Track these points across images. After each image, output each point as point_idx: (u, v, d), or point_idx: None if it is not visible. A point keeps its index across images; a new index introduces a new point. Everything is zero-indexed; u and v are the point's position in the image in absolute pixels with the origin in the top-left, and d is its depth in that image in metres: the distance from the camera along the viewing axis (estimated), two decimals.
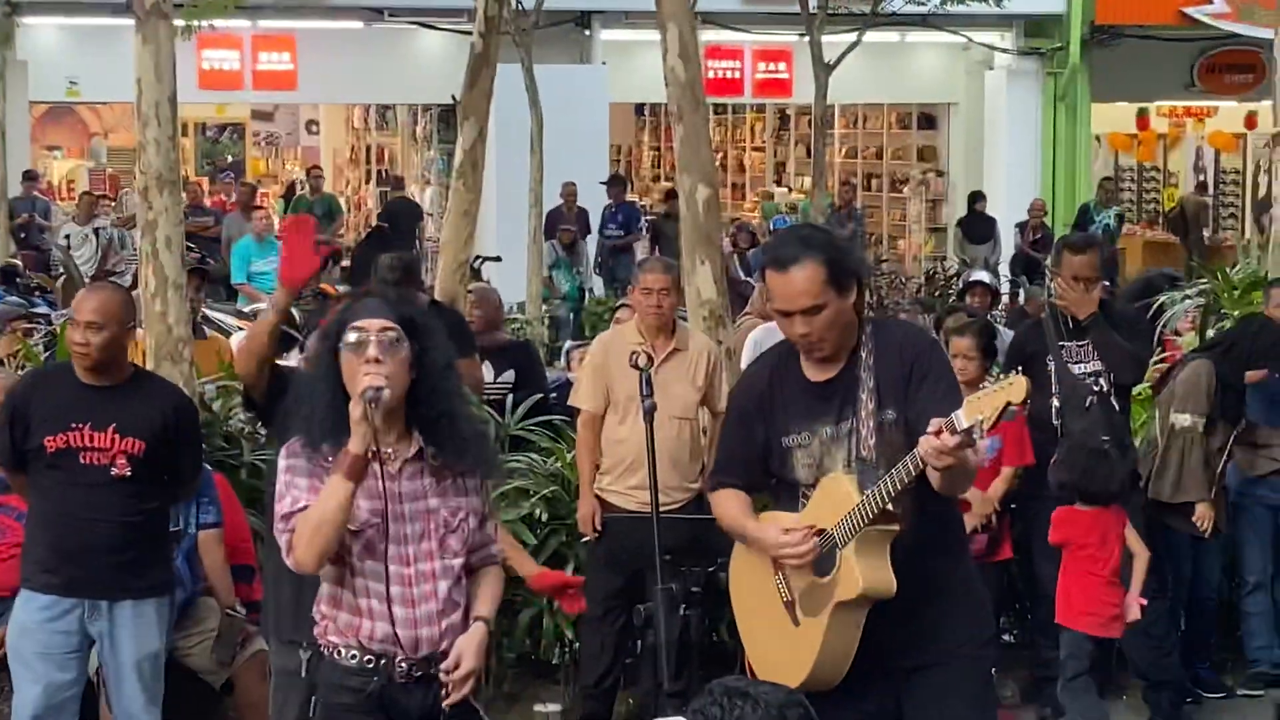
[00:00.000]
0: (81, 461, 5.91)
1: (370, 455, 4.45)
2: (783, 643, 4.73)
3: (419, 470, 4.54)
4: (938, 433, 4.26)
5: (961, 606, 4.82)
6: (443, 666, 4.52)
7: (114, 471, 5.90)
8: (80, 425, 5.91)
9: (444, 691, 4.54)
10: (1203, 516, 7.81)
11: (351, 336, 4.47)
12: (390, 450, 4.53)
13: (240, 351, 5.85)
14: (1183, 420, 7.84)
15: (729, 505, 4.90)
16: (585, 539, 7.60)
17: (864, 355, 4.68)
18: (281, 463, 4.52)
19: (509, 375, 9.51)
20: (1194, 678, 8.00)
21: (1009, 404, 4.23)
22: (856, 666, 4.67)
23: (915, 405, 4.59)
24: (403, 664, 4.53)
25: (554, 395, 9.62)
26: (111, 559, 5.92)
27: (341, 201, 29.23)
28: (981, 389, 4.40)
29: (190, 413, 6.18)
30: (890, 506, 4.49)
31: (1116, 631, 7.18)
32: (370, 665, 4.53)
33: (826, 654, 4.65)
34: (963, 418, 4.25)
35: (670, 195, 20.14)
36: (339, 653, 4.56)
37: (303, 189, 26.48)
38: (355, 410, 4.36)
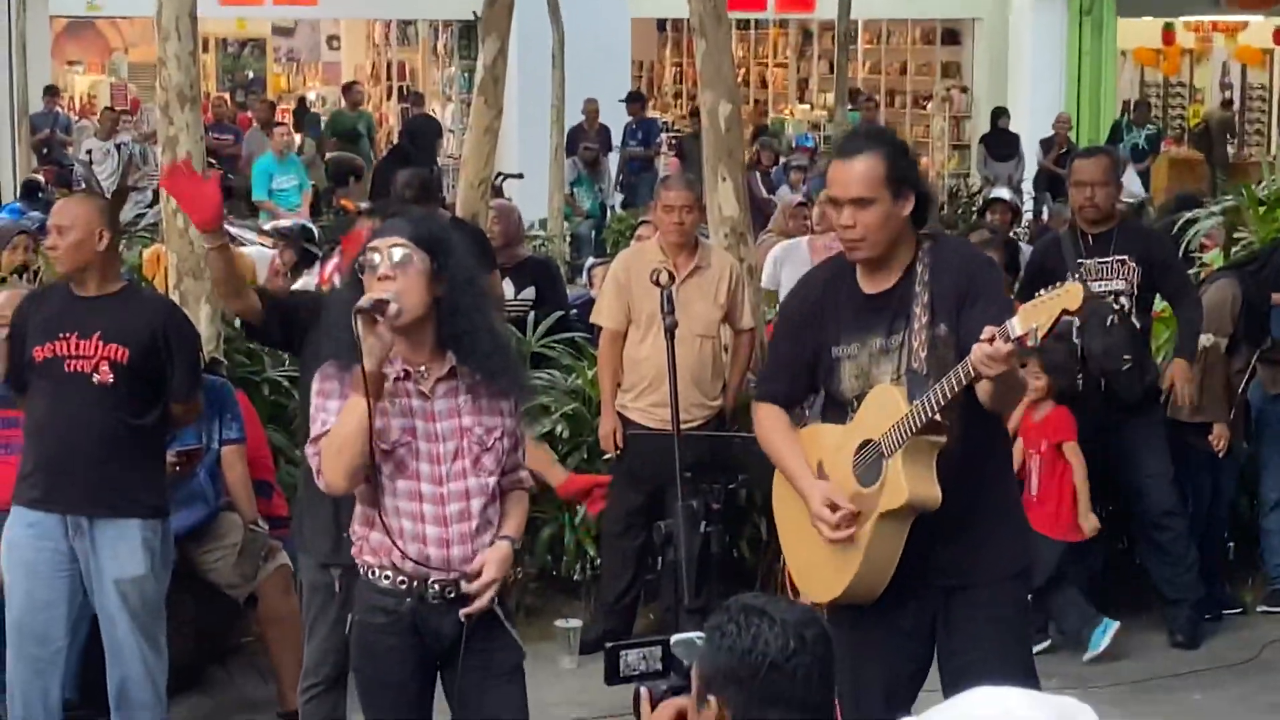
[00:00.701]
0: (66, 369, 5.83)
1: (403, 374, 4.47)
2: (824, 553, 4.73)
3: (453, 388, 4.55)
4: (990, 340, 4.23)
5: (1003, 531, 4.82)
6: (466, 572, 4.55)
7: (96, 378, 5.80)
8: (67, 335, 5.85)
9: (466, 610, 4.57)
10: (1220, 437, 7.80)
11: (371, 258, 4.49)
12: (423, 368, 4.54)
13: (221, 296, 5.86)
14: (1204, 340, 7.81)
15: (774, 431, 4.89)
16: (606, 456, 7.62)
17: (920, 270, 4.67)
18: (315, 385, 4.54)
19: (529, 292, 9.50)
20: (1212, 595, 8.02)
21: (1064, 311, 4.19)
22: (895, 582, 4.68)
23: (967, 323, 4.57)
24: (435, 585, 4.54)
25: (575, 312, 9.62)
26: (93, 472, 5.82)
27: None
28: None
29: (183, 327, 6.08)
30: (939, 417, 4.47)
31: (1076, 536, 7.49)
32: (404, 586, 4.55)
33: (868, 565, 4.64)
34: (1016, 325, 4.22)
35: (696, 113, 20.05)
36: (373, 573, 4.58)
37: (315, 106, 26.43)
38: (356, 326, 4.37)
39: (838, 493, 4.66)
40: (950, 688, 4.73)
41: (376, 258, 4.48)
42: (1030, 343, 4.23)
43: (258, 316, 5.74)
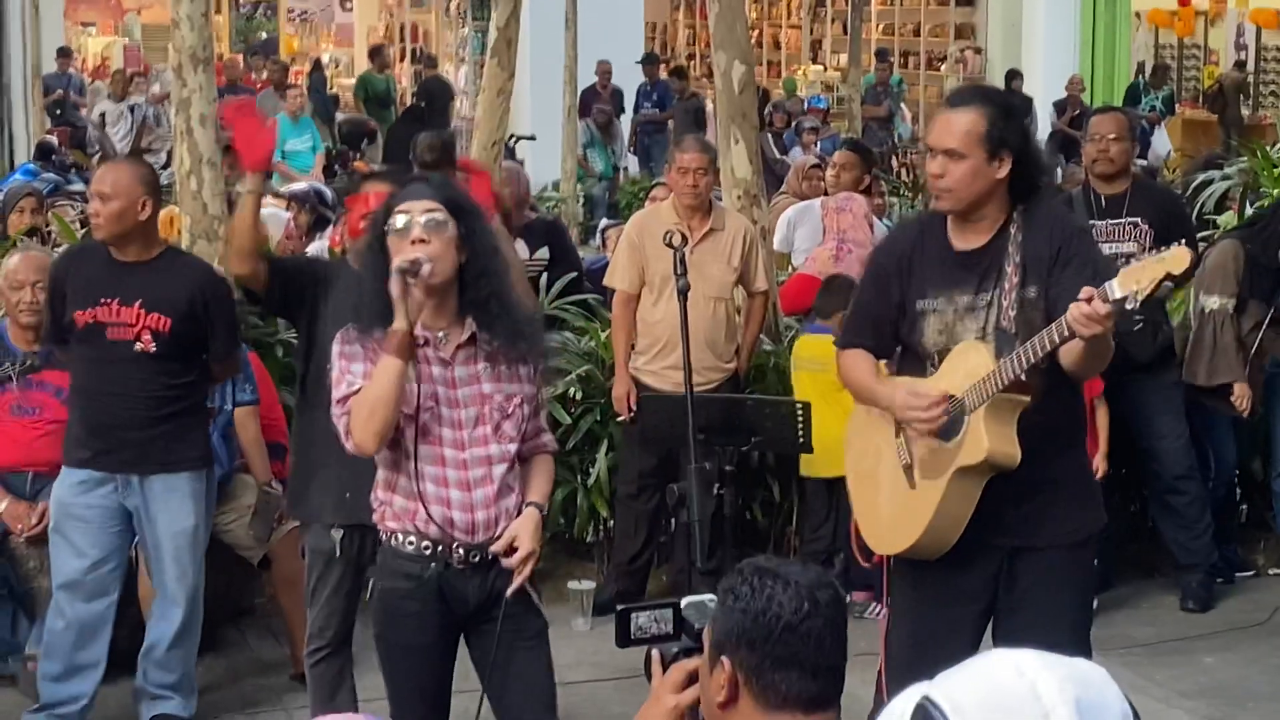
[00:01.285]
0: (108, 337, 5.93)
1: (423, 340, 4.48)
2: (895, 505, 4.73)
3: (473, 355, 4.55)
4: (1089, 300, 4.20)
5: (1074, 495, 4.82)
6: (494, 549, 4.55)
7: (138, 347, 5.91)
8: (109, 300, 5.93)
9: (500, 576, 4.58)
10: (1241, 396, 7.77)
11: (398, 220, 4.48)
12: (443, 334, 4.55)
13: (233, 251, 5.76)
14: (1211, 302, 7.80)
15: (856, 365, 4.88)
16: (620, 418, 7.63)
17: (1013, 231, 4.67)
18: (336, 348, 4.53)
19: (544, 253, 9.50)
20: (1223, 557, 8.02)
21: (1169, 275, 4.16)
22: (963, 540, 4.67)
23: (1058, 285, 4.58)
24: (459, 550, 4.55)
25: (590, 278, 9.61)
26: (140, 434, 5.95)
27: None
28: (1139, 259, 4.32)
29: (221, 291, 6.14)
30: (1024, 376, 4.46)
31: None
32: (428, 551, 4.55)
33: (940, 519, 4.64)
34: (1116, 287, 4.18)
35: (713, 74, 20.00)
36: (396, 539, 4.58)
37: (330, 68, 26.35)
38: (394, 286, 4.37)
39: (920, 385, 4.65)
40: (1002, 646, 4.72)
41: (405, 220, 4.48)
42: (1130, 305, 4.19)
43: (261, 283, 5.73)
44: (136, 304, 5.92)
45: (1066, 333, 4.31)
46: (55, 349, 6.26)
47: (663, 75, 22.12)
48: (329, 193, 11.99)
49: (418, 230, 4.46)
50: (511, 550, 4.56)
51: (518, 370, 4.62)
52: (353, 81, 29.23)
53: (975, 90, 4.92)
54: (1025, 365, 4.45)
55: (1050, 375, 4.53)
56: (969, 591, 4.80)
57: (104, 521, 6.04)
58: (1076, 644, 4.73)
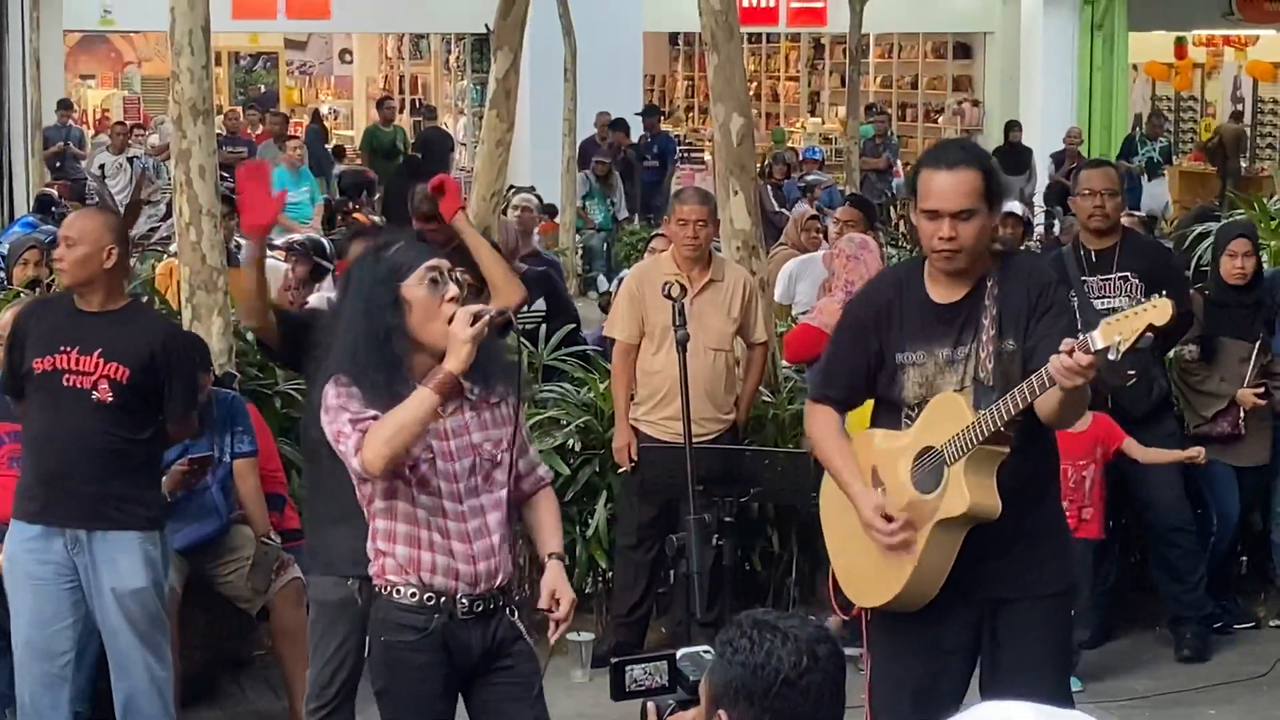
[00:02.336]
0: (64, 384, 5.81)
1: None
2: (875, 558, 4.72)
3: (460, 406, 4.55)
4: (1070, 351, 4.23)
5: (1051, 546, 4.83)
6: (540, 604, 4.59)
7: (95, 396, 5.79)
8: (68, 349, 5.83)
9: (502, 626, 4.62)
10: (1245, 399, 7.73)
11: (431, 275, 4.49)
12: None
13: (243, 311, 5.84)
14: (1180, 350, 7.84)
15: (827, 432, 4.89)
16: (621, 470, 7.62)
17: (990, 284, 4.70)
18: (331, 389, 4.48)
19: (540, 304, 9.50)
20: (1223, 609, 8.00)
21: (1151, 326, 4.19)
22: (944, 593, 4.68)
23: (1035, 337, 4.61)
24: (464, 600, 4.55)
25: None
26: (91, 487, 5.81)
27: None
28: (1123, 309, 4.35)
29: (182, 347, 6.06)
30: (1004, 428, 4.49)
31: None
32: (431, 603, 4.54)
33: (921, 572, 4.64)
34: (1098, 339, 4.22)
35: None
36: (398, 591, 4.56)
37: (326, 116, 26.41)
38: (468, 331, 4.35)
39: (889, 503, 4.66)
40: (988, 698, 4.72)
41: (439, 277, 4.51)
42: (1112, 356, 4.22)
43: (273, 336, 5.75)
44: (96, 353, 5.81)
45: (1047, 383, 4.34)
46: (11, 402, 6.13)
47: (664, 127, 22.21)
48: (326, 244, 12.03)
49: (454, 289, 4.50)
50: (552, 606, 4.62)
51: (498, 411, 4.64)
52: (352, 133, 29.38)
53: (960, 147, 4.93)
54: (1006, 417, 4.47)
55: (1025, 424, 4.55)
56: (951, 642, 4.80)
57: (56, 580, 5.88)
58: (1059, 693, 4.76)
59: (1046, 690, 4.61)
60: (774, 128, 26.86)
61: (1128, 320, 4.22)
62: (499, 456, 4.61)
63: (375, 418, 4.40)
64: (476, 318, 4.39)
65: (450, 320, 4.42)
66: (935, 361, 4.72)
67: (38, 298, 7.21)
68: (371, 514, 4.59)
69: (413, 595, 4.55)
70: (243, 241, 13.08)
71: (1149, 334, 4.19)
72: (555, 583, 4.62)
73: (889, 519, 4.63)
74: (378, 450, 4.36)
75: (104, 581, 5.86)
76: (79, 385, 5.81)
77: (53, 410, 5.86)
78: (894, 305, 4.81)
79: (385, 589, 4.59)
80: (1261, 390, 7.76)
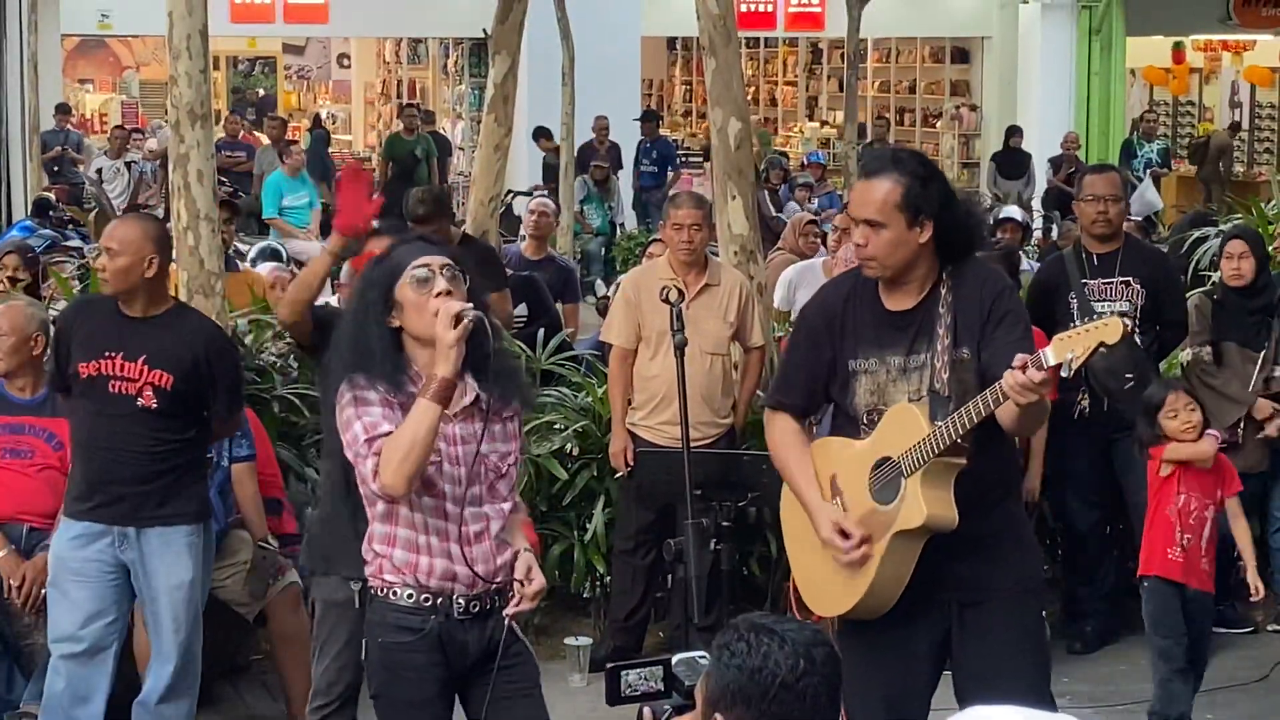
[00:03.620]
0: (110, 390, 5.93)
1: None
2: (834, 568, 4.73)
3: (472, 415, 4.55)
4: (1022, 368, 4.24)
5: (1015, 546, 4.84)
6: (515, 575, 4.56)
7: (140, 402, 5.91)
8: (113, 354, 5.94)
9: (499, 627, 4.58)
10: (1263, 410, 7.73)
11: (419, 274, 4.50)
12: None
13: (286, 300, 5.92)
14: (1184, 355, 7.83)
15: (787, 442, 4.89)
16: (617, 475, 7.62)
17: (943, 292, 4.69)
18: (346, 395, 4.49)
19: (521, 309, 9.53)
20: (1222, 614, 8.00)
21: (1101, 344, 4.22)
22: (905, 598, 4.69)
23: (989, 346, 4.61)
24: (460, 600, 4.55)
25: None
26: (138, 488, 5.94)
27: (373, 136, 29.27)
28: (1071, 328, 4.37)
29: (225, 350, 6.16)
30: (960, 440, 4.50)
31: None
32: (428, 603, 4.54)
33: (879, 582, 4.65)
34: (1050, 355, 4.25)
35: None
36: (394, 592, 4.56)
37: (325, 120, 26.40)
38: (450, 334, 4.37)
39: (845, 518, 4.67)
40: (965, 702, 4.73)
41: (426, 272, 4.51)
42: (1064, 373, 4.27)
43: (306, 332, 5.81)
44: (140, 359, 5.92)
45: (1001, 398, 4.35)
46: (60, 396, 6.27)
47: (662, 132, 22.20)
48: (281, 249, 12.20)
49: (443, 282, 4.49)
50: (525, 581, 4.58)
51: (508, 426, 4.64)
52: (350, 137, 29.40)
53: (889, 156, 4.82)
54: (962, 430, 4.48)
55: (984, 429, 4.54)
56: (919, 644, 4.80)
57: (101, 576, 6.01)
58: (1039, 693, 4.78)
59: (1021, 689, 4.62)
60: (759, 130, 26.85)
61: (1079, 338, 4.26)
62: (504, 469, 4.61)
63: (388, 434, 4.40)
64: (458, 318, 4.39)
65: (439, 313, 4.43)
66: (888, 369, 4.72)
67: (80, 298, 7.30)
68: (372, 517, 4.59)
69: (409, 596, 4.55)
70: (241, 247, 13.11)
71: (1102, 349, 4.23)
72: (530, 562, 4.61)
73: (846, 535, 4.64)
74: (395, 472, 4.38)
75: (154, 576, 6.00)
76: (125, 391, 5.93)
77: (99, 415, 5.98)
78: (847, 312, 4.81)
79: (381, 590, 4.59)
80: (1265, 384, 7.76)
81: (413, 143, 20.71)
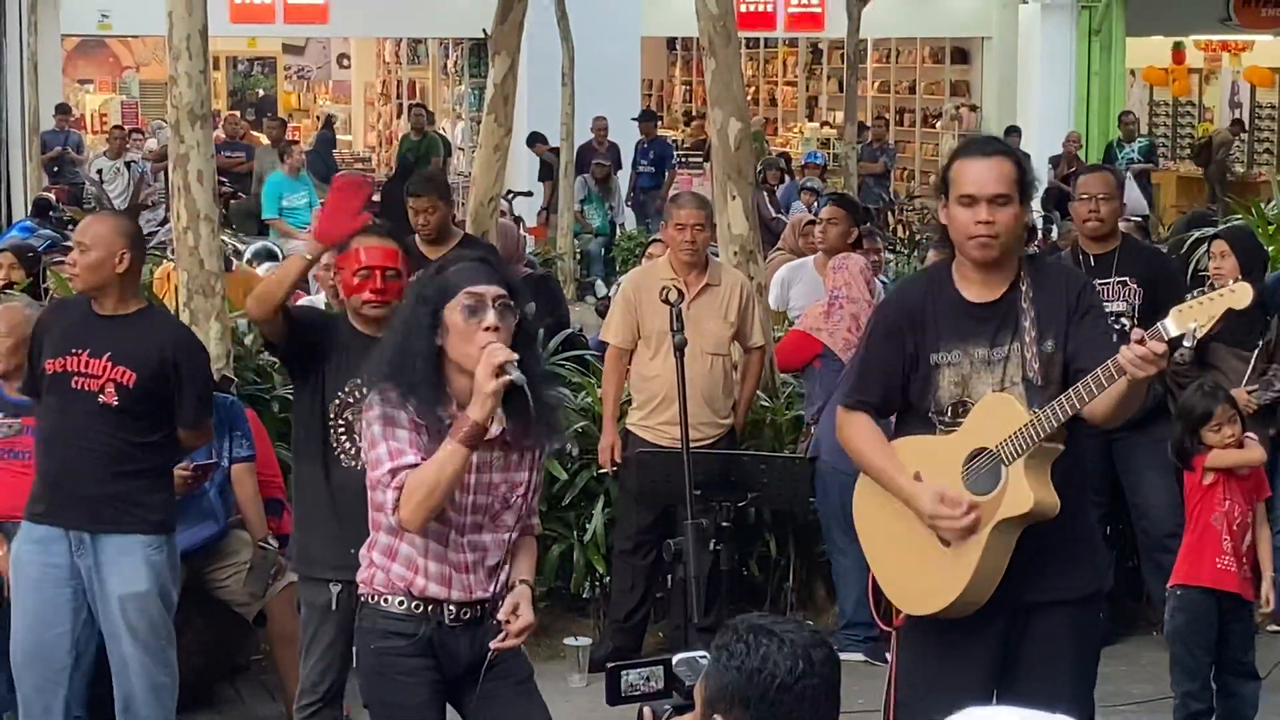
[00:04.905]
0: (72, 387, 5.83)
1: (448, 420, 4.43)
2: (929, 564, 4.66)
3: (490, 444, 4.50)
4: (1140, 341, 4.23)
5: (1087, 550, 4.83)
6: (499, 616, 4.53)
7: (101, 399, 5.80)
8: (79, 351, 5.85)
9: (497, 634, 4.55)
10: (1239, 398, 7.71)
11: (469, 302, 4.44)
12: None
13: (257, 296, 5.80)
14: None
15: (867, 437, 4.82)
16: (602, 471, 7.66)
17: (1024, 287, 4.69)
18: (375, 409, 4.45)
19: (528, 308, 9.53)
20: None
21: (1230, 310, 4.19)
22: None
23: (1076, 339, 4.62)
24: (451, 608, 4.55)
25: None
26: (95, 490, 5.82)
27: (373, 136, 29.29)
28: (1192, 297, 4.35)
29: (193, 352, 6.05)
30: (1063, 425, 4.49)
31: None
32: (420, 611, 4.54)
33: (980, 575, 4.59)
34: (1171, 326, 4.24)
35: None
36: (385, 600, 4.56)
37: (326, 126, 26.39)
38: (490, 384, 4.31)
39: (948, 488, 4.60)
40: (1008, 702, 4.71)
41: (480, 304, 4.44)
42: (1188, 343, 4.25)
43: (278, 331, 5.76)
44: (105, 356, 5.82)
45: (1115, 374, 4.34)
46: (33, 401, 6.16)
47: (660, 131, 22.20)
48: (277, 250, 12.17)
49: (492, 316, 4.44)
50: (510, 619, 4.55)
51: (526, 457, 4.60)
52: (350, 137, 29.39)
53: (995, 139, 4.99)
54: (1071, 411, 4.46)
55: (1068, 425, 4.56)
56: (982, 648, 4.76)
57: (58, 582, 5.89)
58: (1080, 698, 4.77)
59: (1068, 696, 4.61)
60: (754, 130, 26.80)
61: (1203, 306, 4.23)
62: (513, 500, 4.59)
63: (414, 465, 4.37)
64: (500, 370, 4.33)
65: (484, 348, 4.37)
66: (971, 361, 4.69)
67: (59, 299, 7.24)
68: (376, 523, 4.56)
69: (400, 604, 4.55)
70: (239, 246, 13.08)
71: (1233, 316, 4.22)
72: (521, 598, 4.58)
73: (955, 504, 4.57)
74: (414, 511, 4.37)
75: (106, 584, 5.86)
76: (86, 388, 5.83)
77: (60, 412, 5.89)
78: (927, 306, 4.77)
79: (373, 598, 4.59)
80: (1254, 390, 7.75)
81: (418, 142, 20.77)
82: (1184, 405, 6.66)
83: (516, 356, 4.36)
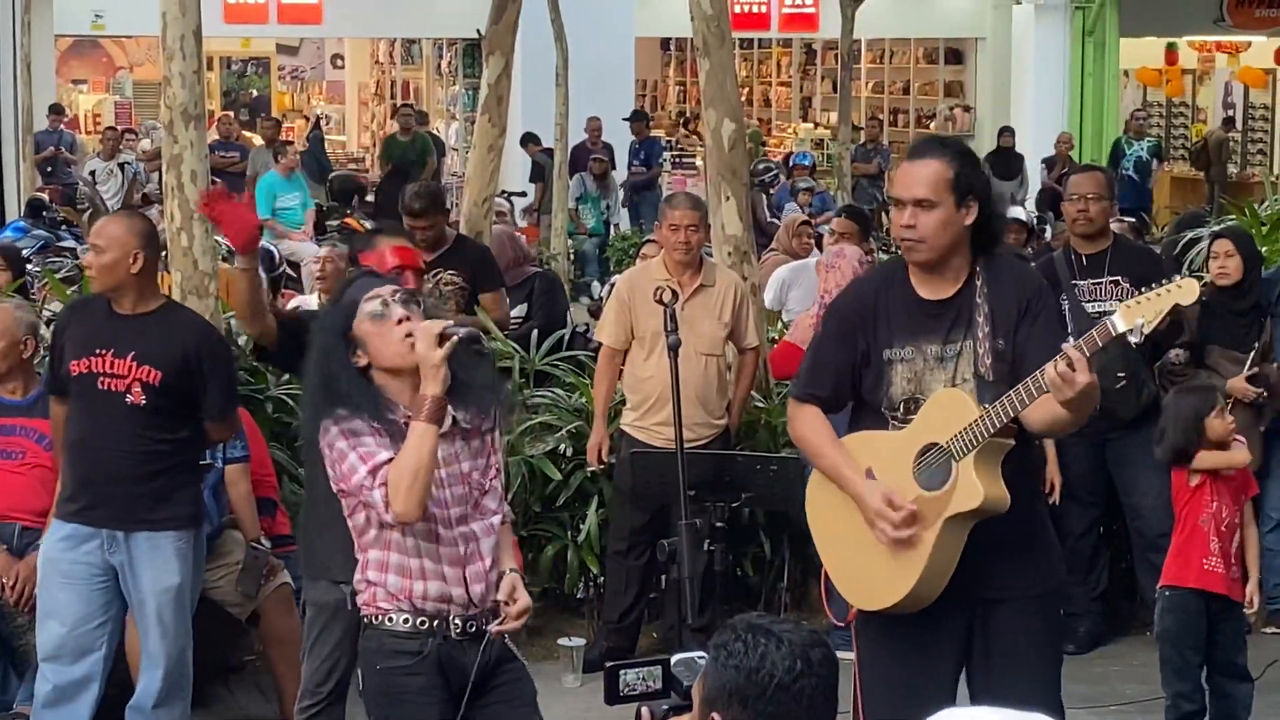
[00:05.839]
0: (99, 387, 5.91)
1: (404, 420, 4.48)
2: (879, 560, 4.66)
3: (451, 436, 4.55)
4: (1065, 357, 4.25)
5: (1041, 545, 4.83)
6: (498, 595, 4.56)
7: (129, 399, 5.88)
8: (103, 351, 5.93)
9: (496, 623, 4.59)
10: (1236, 388, 7.71)
11: (372, 308, 4.54)
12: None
13: (238, 318, 5.96)
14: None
15: (815, 427, 4.83)
16: (590, 469, 7.66)
17: (979, 284, 4.69)
18: (332, 429, 4.50)
19: (521, 309, 9.53)
20: None
21: (1177, 306, 4.18)
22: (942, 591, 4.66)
23: (1025, 342, 4.62)
24: (457, 621, 4.55)
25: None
26: (127, 488, 5.91)
27: (366, 137, 29.26)
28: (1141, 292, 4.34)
29: (217, 348, 6.13)
30: (1011, 420, 4.49)
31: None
32: (425, 626, 4.54)
33: (930, 570, 4.60)
34: (1118, 322, 4.24)
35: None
36: (390, 619, 4.56)
37: (316, 126, 26.38)
38: (435, 353, 4.39)
39: (895, 491, 4.61)
40: (979, 700, 4.73)
41: (380, 306, 4.55)
42: (1134, 339, 4.24)
43: (272, 340, 5.80)
44: (129, 356, 5.91)
45: (1045, 386, 4.36)
46: (54, 400, 6.22)
47: (652, 133, 22.18)
48: (276, 252, 12.18)
49: (399, 309, 4.52)
50: (510, 601, 4.58)
51: (486, 439, 4.66)
52: (345, 138, 29.37)
53: (934, 140, 4.92)
54: (1016, 409, 4.47)
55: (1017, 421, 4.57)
56: (942, 642, 4.77)
57: (89, 579, 5.99)
58: (1048, 692, 4.79)
59: (1037, 691, 4.62)
60: (751, 130, 26.82)
61: (1151, 302, 4.23)
62: (487, 484, 4.63)
63: (388, 460, 4.41)
64: (443, 337, 4.41)
65: (407, 337, 4.46)
66: (924, 358, 4.70)
67: (76, 299, 7.30)
68: (363, 545, 4.59)
69: (405, 621, 4.55)
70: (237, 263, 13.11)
71: (1169, 316, 4.21)
72: (514, 583, 4.61)
73: (895, 506, 4.57)
74: (405, 498, 4.40)
75: (141, 579, 5.97)
76: (113, 388, 5.91)
77: (89, 413, 5.97)
78: (880, 302, 4.78)
79: (376, 617, 4.59)
80: (1252, 375, 7.76)
81: (403, 144, 20.70)
82: (1182, 404, 6.63)
83: (450, 321, 4.46)
